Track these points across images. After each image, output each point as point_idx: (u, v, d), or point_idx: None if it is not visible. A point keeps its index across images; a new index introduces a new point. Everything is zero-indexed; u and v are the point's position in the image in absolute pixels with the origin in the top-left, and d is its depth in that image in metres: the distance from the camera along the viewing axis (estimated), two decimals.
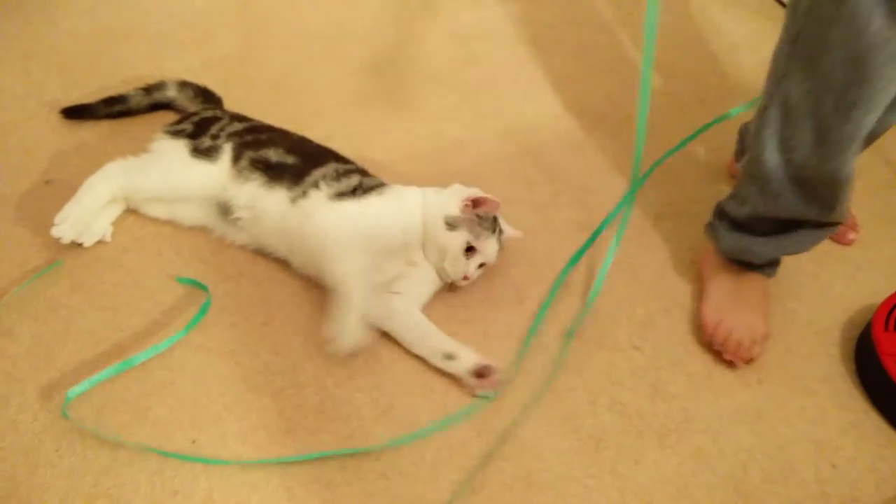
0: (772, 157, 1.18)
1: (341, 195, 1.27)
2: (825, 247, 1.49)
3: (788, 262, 1.44)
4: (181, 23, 1.88)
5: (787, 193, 1.21)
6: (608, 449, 1.16)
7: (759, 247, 1.31)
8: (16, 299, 1.25)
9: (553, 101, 1.78)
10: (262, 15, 1.93)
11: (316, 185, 1.28)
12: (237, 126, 1.40)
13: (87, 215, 1.30)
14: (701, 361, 1.29)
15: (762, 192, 1.23)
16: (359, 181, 1.31)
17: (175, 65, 1.74)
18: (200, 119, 1.42)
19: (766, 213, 1.27)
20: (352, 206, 1.27)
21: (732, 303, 1.33)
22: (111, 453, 1.08)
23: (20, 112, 1.58)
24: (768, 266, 1.36)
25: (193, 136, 1.37)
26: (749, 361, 1.29)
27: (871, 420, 1.24)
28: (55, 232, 1.26)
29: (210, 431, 1.11)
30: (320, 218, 1.24)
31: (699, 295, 1.38)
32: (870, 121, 1.09)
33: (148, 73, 1.67)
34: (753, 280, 1.36)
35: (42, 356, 1.18)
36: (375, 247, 1.24)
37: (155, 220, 1.38)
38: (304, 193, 1.27)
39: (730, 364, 1.29)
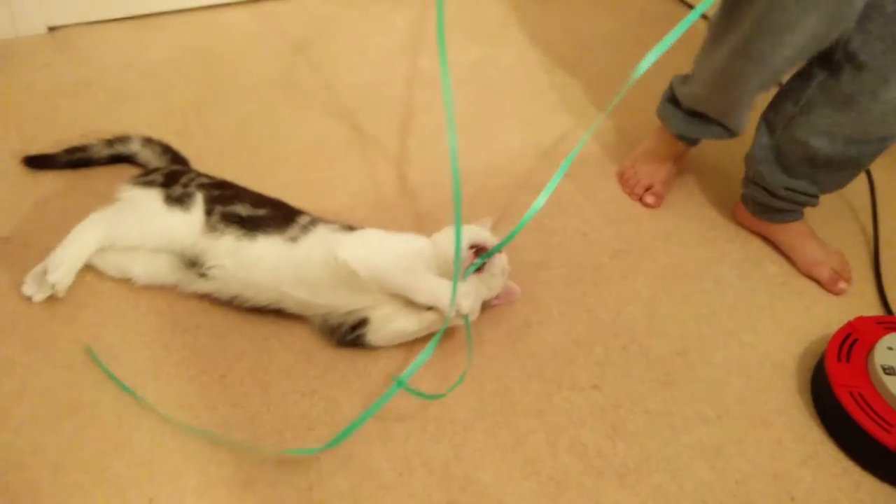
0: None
1: (346, 228, 1.32)
2: (781, 281, 1.53)
3: (744, 298, 1.47)
4: (139, 74, 1.89)
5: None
6: (569, 490, 1.16)
7: (679, 121, 1.63)
8: None
9: (510, 143, 1.81)
10: (220, 64, 1.95)
11: (314, 223, 1.31)
12: (204, 179, 1.42)
13: (78, 259, 1.31)
14: (661, 399, 1.31)
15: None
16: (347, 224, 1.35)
17: (133, 116, 1.75)
18: (169, 171, 1.43)
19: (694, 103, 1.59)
20: (373, 231, 1.33)
21: (648, 156, 1.71)
22: None
23: None
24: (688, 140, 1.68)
25: (165, 185, 1.38)
26: (640, 199, 1.68)
27: (828, 451, 1.26)
28: (55, 276, 1.28)
29: (168, 488, 1.10)
30: (348, 247, 1.26)
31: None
32: (764, 68, 1.38)
33: (106, 125, 1.68)
34: (672, 146, 1.69)
35: None
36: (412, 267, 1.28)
37: (111, 278, 1.37)
38: (306, 229, 1.30)
39: (630, 195, 1.68)
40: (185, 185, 1.37)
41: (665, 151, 1.70)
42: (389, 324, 1.28)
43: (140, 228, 1.33)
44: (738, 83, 1.45)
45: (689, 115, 1.62)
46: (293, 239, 1.30)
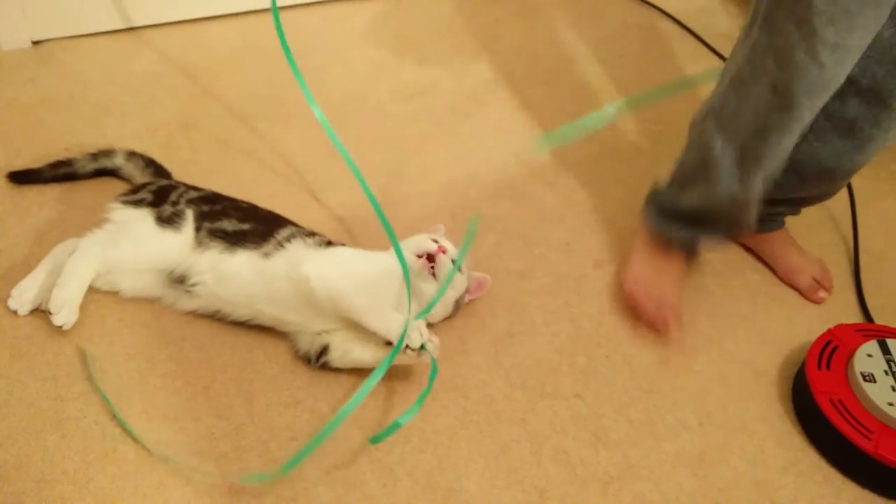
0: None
1: (323, 244, 1.33)
2: (762, 290, 1.55)
3: (725, 306, 1.49)
4: (123, 88, 1.89)
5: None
6: (552, 499, 1.17)
7: (677, 231, 1.46)
8: None
9: (493, 154, 1.82)
10: (204, 78, 1.96)
11: (289, 239, 1.31)
12: (193, 194, 1.42)
13: (80, 296, 1.30)
14: (643, 407, 1.32)
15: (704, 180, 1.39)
16: (327, 239, 1.35)
17: (117, 130, 1.75)
18: (158, 188, 1.43)
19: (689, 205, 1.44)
20: (344, 250, 1.34)
21: (648, 272, 1.49)
22: None
23: None
24: (689, 250, 1.50)
25: (154, 204, 1.38)
26: (652, 325, 1.43)
27: (809, 458, 1.27)
28: (61, 318, 1.26)
29: (152, 499, 1.10)
30: (314, 264, 1.26)
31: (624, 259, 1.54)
32: (785, 142, 1.26)
33: (90, 140, 1.68)
34: (671, 258, 1.49)
35: None
36: (377, 292, 1.27)
37: (98, 290, 1.37)
38: (281, 245, 1.30)
39: (639, 322, 1.45)
40: (175, 203, 1.38)
41: (668, 264, 1.50)
42: (348, 354, 1.28)
43: (134, 253, 1.33)
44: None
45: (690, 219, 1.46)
46: (267, 255, 1.30)
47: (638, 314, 1.45)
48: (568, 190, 1.74)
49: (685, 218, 1.45)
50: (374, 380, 1.15)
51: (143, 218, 1.35)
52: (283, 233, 1.34)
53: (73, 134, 1.73)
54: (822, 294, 1.54)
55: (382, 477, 1.17)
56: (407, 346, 1.19)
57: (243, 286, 1.29)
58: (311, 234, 1.37)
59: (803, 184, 1.43)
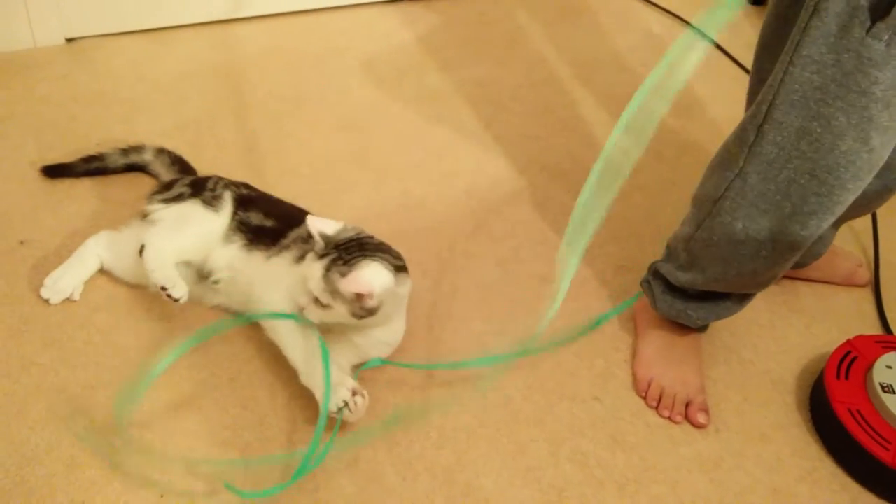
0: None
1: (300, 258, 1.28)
2: (780, 299, 1.55)
3: (744, 315, 1.47)
4: (154, 87, 1.93)
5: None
6: (570, 499, 1.18)
7: (694, 311, 1.34)
8: None
9: (515, 159, 1.84)
10: (233, 78, 1.99)
11: (288, 246, 1.31)
12: (228, 181, 1.44)
13: (177, 275, 1.29)
14: None
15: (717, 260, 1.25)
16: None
17: (148, 127, 1.78)
18: (192, 181, 1.45)
19: (706, 285, 1.29)
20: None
21: (664, 359, 1.37)
22: None
23: None
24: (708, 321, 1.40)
25: (195, 194, 1.39)
26: (687, 419, 1.31)
27: (827, 467, 1.27)
28: (178, 292, 1.26)
29: (178, 485, 1.13)
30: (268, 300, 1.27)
31: (633, 350, 1.42)
32: (825, 225, 1.13)
33: (121, 135, 1.71)
34: (686, 336, 1.40)
35: (13, 414, 1.20)
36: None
37: (126, 282, 1.40)
38: (280, 252, 1.31)
39: (669, 420, 1.31)
40: (213, 189, 1.40)
41: (682, 344, 1.40)
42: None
43: (195, 240, 1.34)
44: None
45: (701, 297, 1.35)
46: (268, 258, 1.31)
47: (659, 410, 1.33)
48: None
49: (702, 294, 1.33)
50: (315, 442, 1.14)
51: (193, 207, 1.36)
52: (291, 236, 1.33)
53: (105, 130, 1.76)
54: (862, 274, 1.59)
55: (402, 471, 1.19)
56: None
57: (246, 289, 1.31)
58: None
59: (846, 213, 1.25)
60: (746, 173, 1.13)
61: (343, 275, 1.15)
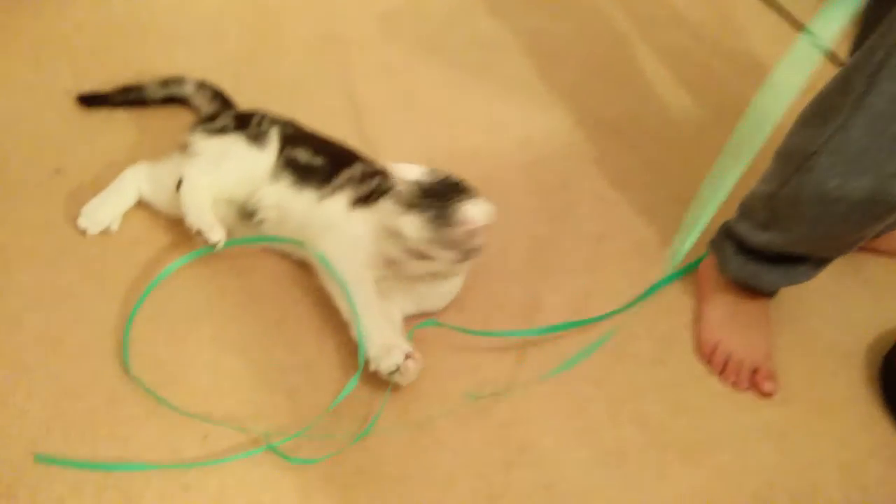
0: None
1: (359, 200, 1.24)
2: (847, 269, 1.47)
3: (810, 283, 1.41)
4: (193, 20, 1.85)
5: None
6: (631, 463, 1.13)
7: (767, 274, 1.26)
8: (26, 287, 1.22)
9: (569, 112, 1.76)
10: (275, 15, 1.90)
11: (342, 187, 1.25)
12: (275, 117, 1.37)
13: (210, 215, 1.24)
14: None
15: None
16: (378, 183, 1.27)
17: (186, 62, 1.70)
18: (237, 114, 1.39)
19: (785, 247, 1.22)
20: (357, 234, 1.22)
21: (731, 324, 1.29)
22: (122, 445, 1.04)
23: (30, 100, 1.54)
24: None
25: (239, 128, 1.33)
26: (753, 387, 1.24)
27: None
28: (216, 235, 1.20)
29: (221, 428, 1.08)
30: (330, 241, 1.21)
31: (696, 314, 1.35)
32: None
33: (159, 68, 1.64)
34: (754, 300, 1.31)
35: (50, 346, 1.14)
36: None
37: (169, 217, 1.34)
38: (333, 193, 1.25)
39: (734, 387, 1.25)
40: (259, 125, 1.33)
41: (750, 308, 1.33)
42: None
43: (236, 175, 1.28)
44: None
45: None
46: (321, 199, 1.25)
47: (725, 375, 1.26)
48: (651, 155, 1.66)
49: (777, 257, 1.25)
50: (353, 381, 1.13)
51: (235, 142, 1.30)
52: (343, 176, 1.27)
53: (142, 62, 1.69)
54: None
55: (455, 423, 1.14)
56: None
57: (296, 229, 1.25)
58: (373, 174, 1.29)
59: None
60: (850, 126, 1.02)
61: (454, 214, 1.11)
